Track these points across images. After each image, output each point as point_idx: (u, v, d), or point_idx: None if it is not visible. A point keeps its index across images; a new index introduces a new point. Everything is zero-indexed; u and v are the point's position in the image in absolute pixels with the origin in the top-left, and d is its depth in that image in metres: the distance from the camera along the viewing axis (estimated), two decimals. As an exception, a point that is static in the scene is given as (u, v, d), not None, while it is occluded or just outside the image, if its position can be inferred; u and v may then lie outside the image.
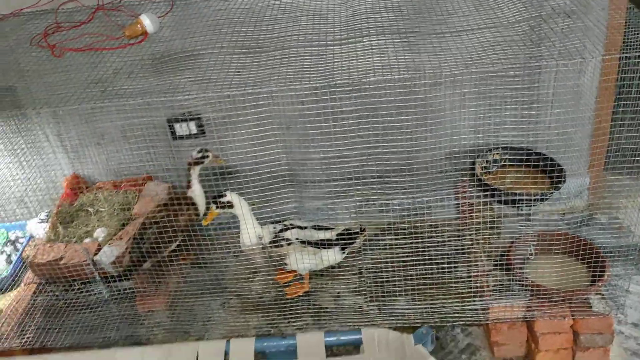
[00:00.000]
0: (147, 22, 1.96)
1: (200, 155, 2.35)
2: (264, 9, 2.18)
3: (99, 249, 2.32)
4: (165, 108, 2.47)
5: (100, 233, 2.43)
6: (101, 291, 2.31)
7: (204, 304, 2.39)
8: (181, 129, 2.59)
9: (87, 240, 2.40)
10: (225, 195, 2.20)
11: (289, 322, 2.25)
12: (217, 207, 2.20)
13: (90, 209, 2.58)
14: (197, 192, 2.39)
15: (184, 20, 2.15)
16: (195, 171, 2.38)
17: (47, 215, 2.63)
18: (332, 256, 2.29)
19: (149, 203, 2.54)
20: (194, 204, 2.38)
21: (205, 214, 2.36)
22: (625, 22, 1.68)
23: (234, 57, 1.94)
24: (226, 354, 1.81)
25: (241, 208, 2.20)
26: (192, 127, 2.58)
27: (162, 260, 2.33)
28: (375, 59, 1.73)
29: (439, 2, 2.02)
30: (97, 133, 2.63)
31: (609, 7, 1.83)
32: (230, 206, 2.20)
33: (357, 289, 2.38)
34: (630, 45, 1.59)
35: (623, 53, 1.55)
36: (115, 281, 2.31)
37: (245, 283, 2.47)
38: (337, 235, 2.32)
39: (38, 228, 2.60)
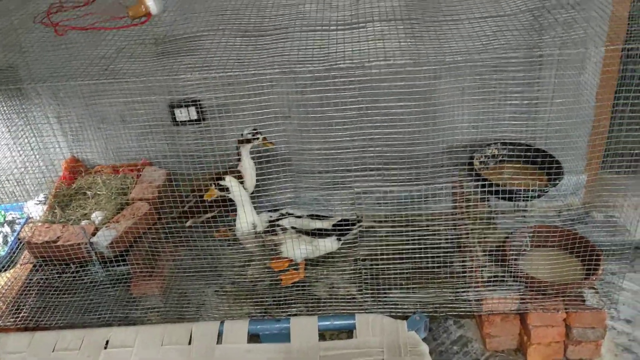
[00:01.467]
0: (150, 3, 1.96)
1: (250, 135, 2.41)
2: (268, -6, 2.19)
3: (95, 232, 2.32)
4: (165, 93, 2.47)
5: (97, 216, 2.43)
6: (97, 271, 2.31)
7: (198, 289, 2.39)
8: (181, 114, 2.59)
9: (83, 222, 2.40)
10: (224, 179, 2.21)
11: (282, 310, 2.25)
12: (216, 188, 2.22)
13: (88, 192, 2.58)
14: (246, 167, 2.46)
15: (188, 3, 2.15)
16: (246, 148, 2.45)
17: (44, 197, 2.63)
18: (328, 244, 2.29)
19: (146, 188, 2.54)
20: (241, 177, 2.45)
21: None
22: (629, 15, 1.69)
23: (237, 40, 1.95)
24: (220, 335, 1.81)
25: (240, 195, 2.21)
26: (192, 113, 2.59)
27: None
28: (378, 44, 1.73)
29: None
30: (98, 116, 2.63)
31: None
32: (227, 190, 2.21)
33: (352, 279, 2.38)
34: (632, 38, 1.60)
35: (626, 44, 1.56)
36: (111, 264, 2.31)
37: (239, 270, 2.47)
38: (334, 225, 2.32)
39: (35, 209, 2.60)
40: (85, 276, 2.33)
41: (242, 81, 2.11)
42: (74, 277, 2.32)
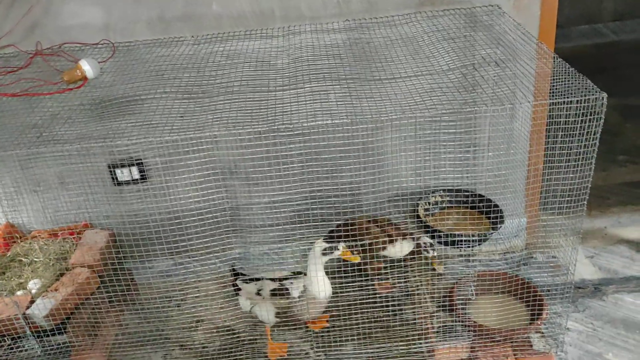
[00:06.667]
0: (86, 67, 1.94)
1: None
2: (208, 55, 2.20)
3: (32, 302, 2.20)
4: (105, 153, 2.43)
5: (34, 285, 2.32)
6: (32, 347, 2.19)
7: (145, 356, 2.30)
8: (122, 174, 2.54)
9: (19, 292, 2.28)
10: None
11: (233, 373, 2.20)
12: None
13: (24, 259, 2.47)
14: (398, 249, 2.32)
15: (126, 66, 2.14)
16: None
17: (-24, 267, 2.49)
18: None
19: (87, 252, 2.45)
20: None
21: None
22: (552, 70, 1.79)
23: (177, 102, 1.94)
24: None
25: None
26: (134, 173, 2.54)
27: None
28: (316, 104, 1.77)
29: (377, 50, 2.10)
30: (34, 180, 2.54)
31: (537, 57, 1.95)
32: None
33: (304, 336, 2.34)
34: (556, 92, 1.69)
35: (550, 99, 1.64)
36: (48, 335, 2.19)
37: (188, 333, 2.40)
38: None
39: (-34, 281, 2.45)
40: (19, 352, 2.20)
41: (184, 140, 2.10)
42: (8, 353, 2.19)
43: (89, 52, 2.25)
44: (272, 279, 2.22)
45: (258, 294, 2.19)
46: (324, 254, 2.10)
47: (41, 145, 1.68)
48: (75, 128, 1.85)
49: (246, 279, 2.27)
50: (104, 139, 1.74)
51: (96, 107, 2.10)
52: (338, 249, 2.11)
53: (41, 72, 2.08)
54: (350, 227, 2.32)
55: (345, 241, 2.17)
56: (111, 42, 2.29)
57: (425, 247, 2.26)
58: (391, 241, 2.28)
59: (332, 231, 2.43)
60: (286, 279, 2.21)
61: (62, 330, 2.21)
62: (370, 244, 2.23)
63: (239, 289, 2.26)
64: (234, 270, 2.31)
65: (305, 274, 2.19)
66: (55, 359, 2.23)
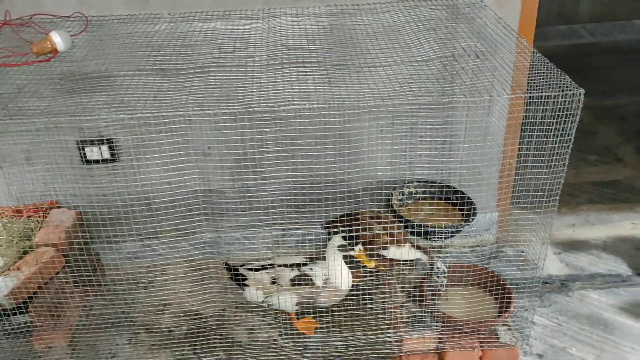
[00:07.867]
0: (57, 39, 1.87)
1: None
2: (184, 34, 2.15)
3: (-7, 280, 2.14)
4: (75, 130, 2.36)
5: (-5, 263, 2.25)
6: (-9, 326, 2.13)
7: (109, 339, 2.25)
8: (92, 152, 2.47)
9: (-21, 270, 2.21)
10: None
11: (200, 357, 2.16)
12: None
13: (-14, 237, 2.39)
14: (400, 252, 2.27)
15: (99, 41, 2.07)
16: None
17: None
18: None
19: (53, 231, 2.38)
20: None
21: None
22: (530, 65, 1.80)
23: (151, 80, 1.89)
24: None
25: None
26: (104, 152, 2.47)
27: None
28: (294, 88, 1.73)
29: (358, 37, 2.08)
30: (-1, 155, 2.46)
31: (516, 50, 1.95)
32: None
33: (272, 322, 2.33)
34: (534, 86, 1.69)
35: (528, 93, 1.64)
36: (9, 315, 2.13)
37: (155, 316, 2.36)
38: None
39: None
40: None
41: (156, 119, 2.05)
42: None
43: (60, 24, 2.17)
44: (287, 265, 2.14)
45: (273, 282, 2.11)
46: (339, 250, 2.10)
47: (6, 117, 1.61)
48: (43, 102, 1.79)
49: (252, 267, 2.18)
50: (73, 115, 1.68)
51: (66, 82, 2.03)
52: (354, 250, 2.09)
53: (9, 42, 2.00)
54: (352, 219, 2.29)
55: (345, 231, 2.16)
56: (84, 15, 2.21)
57: (437, 273, 2.16)
58: (398, 244, 2.25)
59: (332, 221, 2.39)
60: (304, 264, 2.15)
61: (24, 311, 2.15)
62: (373, 239, 2.20)
63: (244, 279, 2.16)
64: (227, 264, 2.23)
65: (319, 259, 2.16)
66: (15, 339, 2.17)
